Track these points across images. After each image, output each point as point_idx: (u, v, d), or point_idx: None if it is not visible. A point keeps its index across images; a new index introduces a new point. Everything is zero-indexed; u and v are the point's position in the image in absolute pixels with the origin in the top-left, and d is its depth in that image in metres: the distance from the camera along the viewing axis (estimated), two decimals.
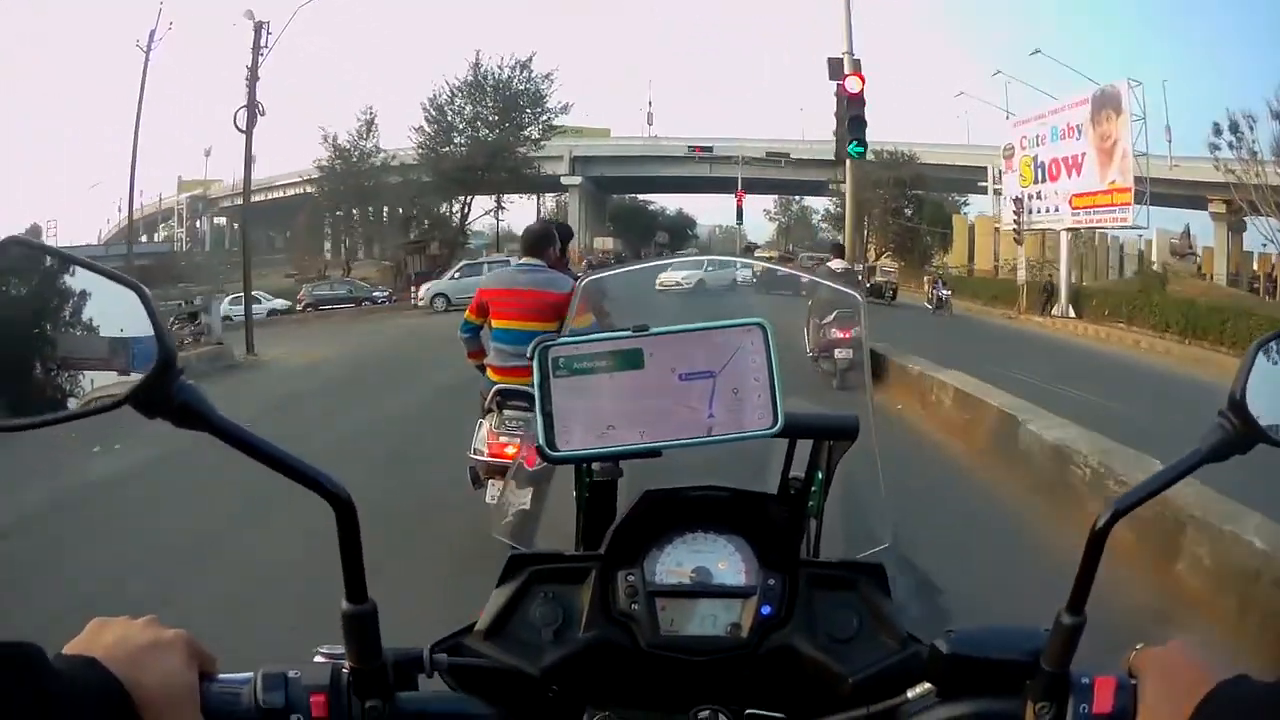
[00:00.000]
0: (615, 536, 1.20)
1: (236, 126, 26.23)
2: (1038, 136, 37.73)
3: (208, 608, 4.65)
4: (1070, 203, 35.28)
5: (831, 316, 10.10)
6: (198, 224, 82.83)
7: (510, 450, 4.58)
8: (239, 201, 54.75)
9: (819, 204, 79.46)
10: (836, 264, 14.27)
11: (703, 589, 1.18)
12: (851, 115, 18.45)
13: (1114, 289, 35.55)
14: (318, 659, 0.98)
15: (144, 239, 78.67)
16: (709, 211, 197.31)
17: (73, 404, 0.85)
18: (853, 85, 18.54)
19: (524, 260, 5.49)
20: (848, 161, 19.58)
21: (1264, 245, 32.04)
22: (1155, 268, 44.75)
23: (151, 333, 0.83)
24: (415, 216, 54.19)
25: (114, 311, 0.85)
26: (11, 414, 0.85)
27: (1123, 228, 36.23)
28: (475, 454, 5.19)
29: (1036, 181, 37.77)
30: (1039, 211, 37.52)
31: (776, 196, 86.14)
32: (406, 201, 53.96)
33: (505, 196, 55.09)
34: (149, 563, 5.71)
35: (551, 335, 1.23)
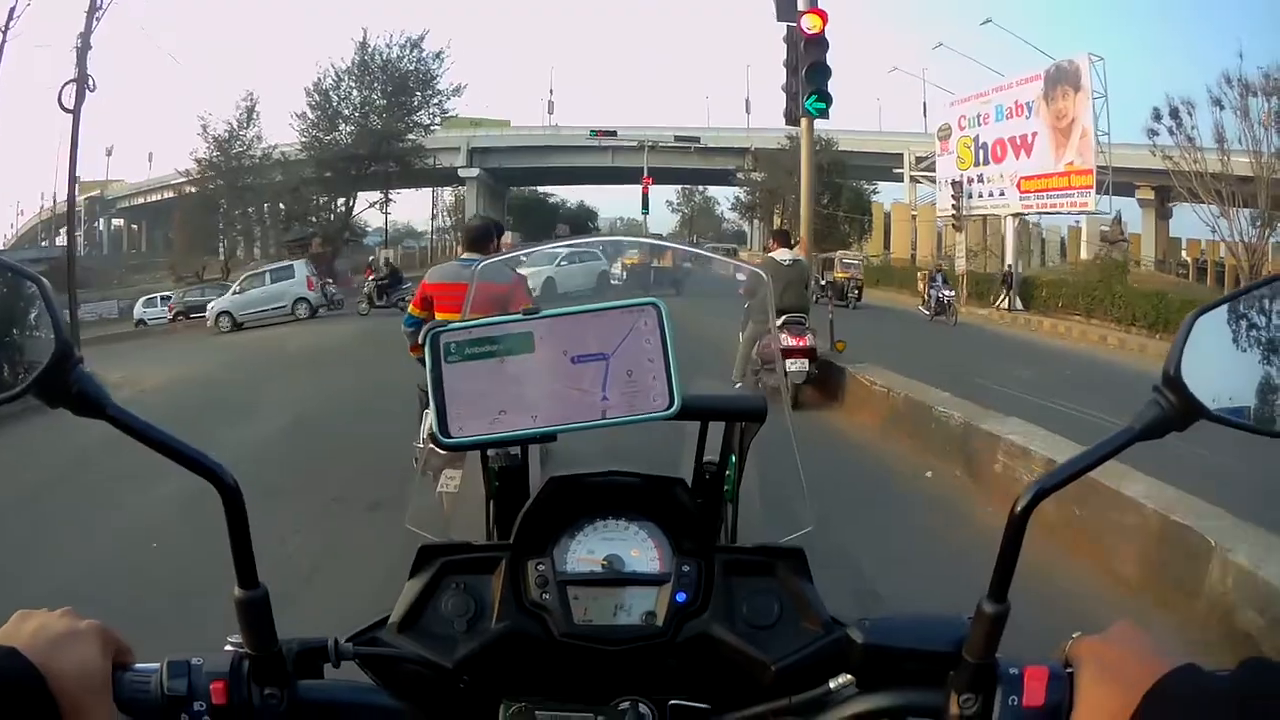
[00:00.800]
0: (523, 524, 1.18)
1: (61, 105, 21.82)
2: (979, 116, 34.82)
3: (139, 596, 4.93)
4: (1018, 186, 32.40)
5: (777, 322, 8.61)
6: (96, 226, 78.05)
7: None
8: (137, 201, 51.16)
9: (723, 194, 77.33)
10: (782, 254, 11.07)
11: (615, 577, 1.15)
12: (811, 62, 14.26)
13: (1067, 279, 32.43)
14: (227, 647, 0.95)
15: (44, 243, 75.84)
16: (611, 204, 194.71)
17: None
18: (810, 24, 14.28)
19: (466, 255, 5.98)
20: (803, 124, 15.20)
21: (1211, 232, 30.05)
22: (1084, 255, 43.39)
23: (50, 324, 0.85)
24: (296, 212, 50.02)
25: (14, 304, 0.89)
26: None
27: (1083, 213, 33.13)
28: (422, 443, 5.02)
29: (977, 164, 34.94)
30: (980, 196, 34.69)
31: (680, 187, 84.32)
32: (289, 195, 49.64)
33: (396, 189, 51.55)
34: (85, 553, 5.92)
35: (447, 321, 1.06)
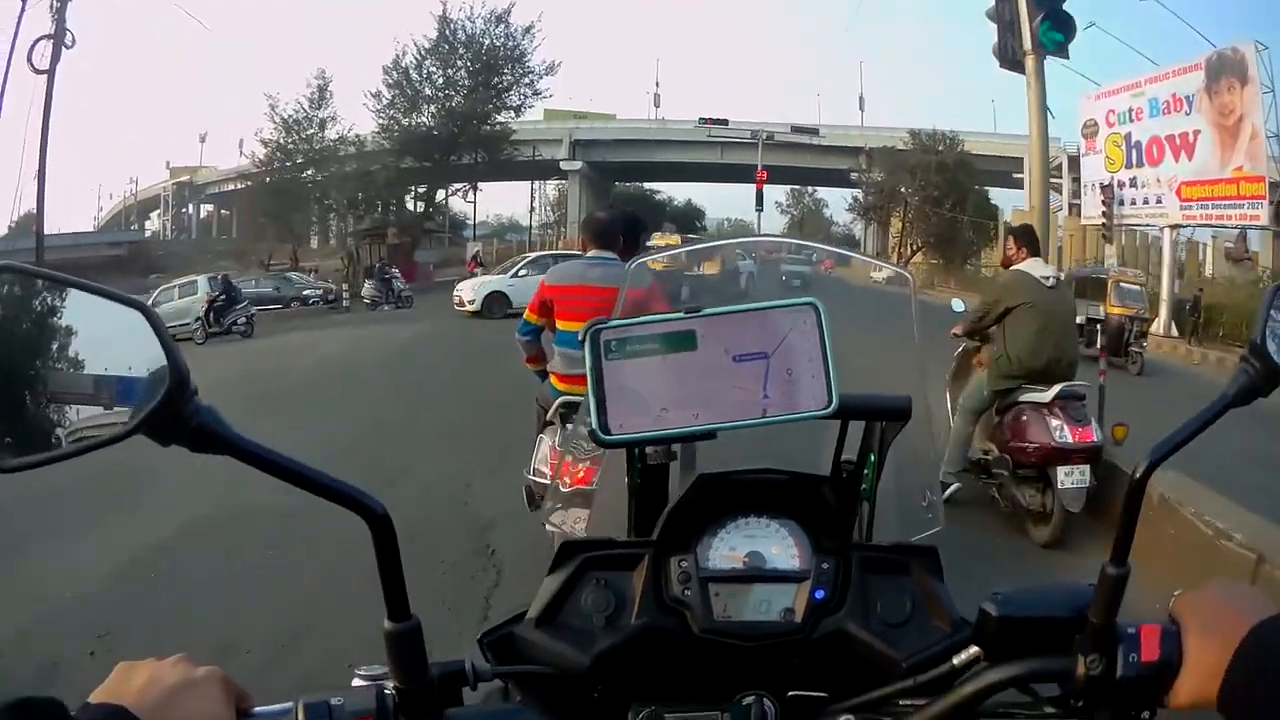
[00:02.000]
0: (668, 522, 1.19)
1: (32, 65, 20.47)
2: (1131, 111, 30.19)
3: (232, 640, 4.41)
4: (1178, 193, 28.29)
5: (1048, 395, 6.17)
6: (185, 211, 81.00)
7: (580, 474, 2.89)
8: (227, 188, 50.99)
9: (833, 196, 74.76)
10: (1036, 266, 6.45)
11: (756, 574, 1.17)
12: None
13: (1224, 302, 28.34)
14: (356, 682, 0.93)
15: (134, 227, 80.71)
16: (720, 202, 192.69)
17: (81, 436, 0.82)
18: None
19: (593, 253, 4.91)
20: (1029, 64, 12.12)
21: None
22: (1209, 273, 38.75)
23: (161, 353, 0.79)
24: (370, 200, 47.86)
25: (118, 333, 0.82)
26: (16, 452, 0.80)
27: (1254, 227, 28.98)
28: (535, 474, 4.79)
29: (1129, 165, 30.44)
30: (1133, 203, 30.38)
31: (789, 188, 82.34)
32: (361, 182, 47.27)
33: (487, 180, 49.63)
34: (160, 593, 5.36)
35: (608, 319, 1.08)
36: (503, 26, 45.91)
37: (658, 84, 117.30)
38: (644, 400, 1.03)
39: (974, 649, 0.99)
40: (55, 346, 0.83)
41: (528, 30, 46.32)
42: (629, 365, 1.02)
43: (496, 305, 26.71)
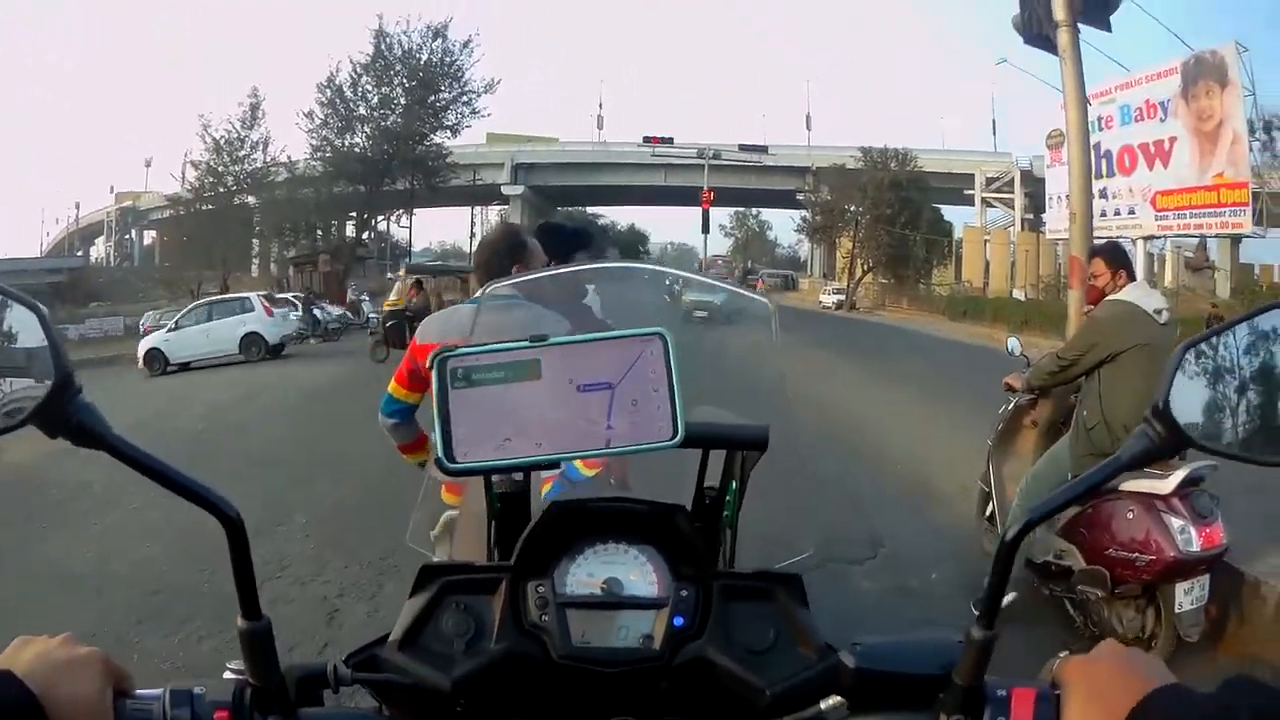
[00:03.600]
0: (524, 547, 1.20)
1: None
2: (1100, 119, 29.11)
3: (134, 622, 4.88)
4: (1152, 202, 27.49)
5: (1169, 484, 4.27)
6: (128, 237, 79.96)
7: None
8: (170, 213, 49.16)
9: (777, 218, 74.54)
10: (1142, 295, 4.83)
11: (614, 600, 1.17)
12: None
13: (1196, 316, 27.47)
14: (227, 674, 0.97)
15: (79, 253, 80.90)
16: (664, 226, 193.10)
17: None
18: None
19: (489, 289, 2.97)
20: (1062, 39, 10.21)
21: None
22: (1169, 283, 37.96)
23: (47, 352, 0.87)
24: (302, 225, 46.14)
25: (15, 331, 0.90)
26: None
27: (1237, 234, 28.19)
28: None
29: (1099, 176, 29.34)
30: (1102, 214, 29.26)
31: (733, 211, 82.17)
32: (293, 207, 45.40)
33: (425, 205, 47.74)
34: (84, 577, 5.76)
35: (455, 347, 1.08)
36: (440, 41, 44.30)
37: (601, 106, 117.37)
38: (489, 429, 1.04)
39: (838, 697, 1.00)
40: None
41: (466, 45, 44.77)
42: (475, 394, 1.03)
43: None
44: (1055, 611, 4.74)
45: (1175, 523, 4.16)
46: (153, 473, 0.89)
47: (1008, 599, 4.19)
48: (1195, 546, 4.13)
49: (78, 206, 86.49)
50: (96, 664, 0.88)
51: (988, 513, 5.45)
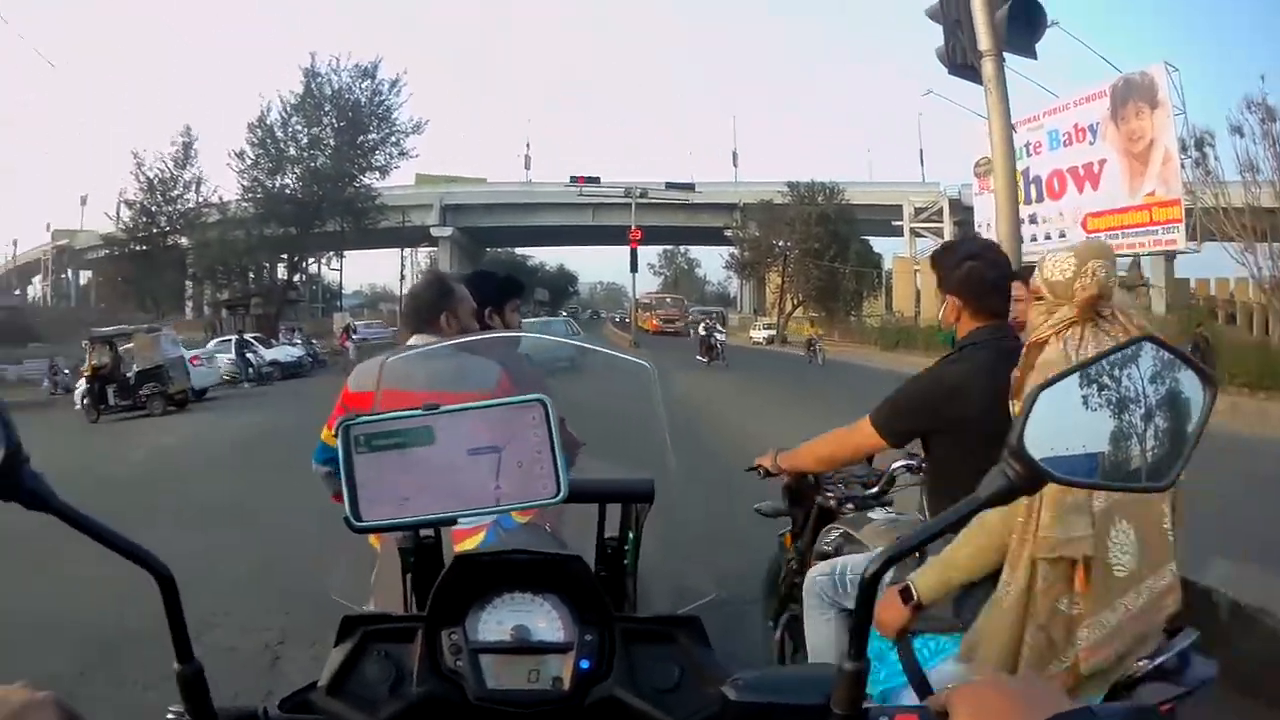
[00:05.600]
0: (435, 597, 1.25)
1: None
2: (1029, 145, 29.79)
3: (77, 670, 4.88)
4: (1083, 224, 27.63)
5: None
6: (64, 276, 79.01)
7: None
8: (105, 252, 48.03)
9: (706, 255, 74.66)
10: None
11: (523, 645, 1.23)
12: None
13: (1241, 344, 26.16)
14: (168, 717, 1.03)
15: (17, 291, 79.51)
16: (591, 265, 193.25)
17: None
18: None
19: (413, 341, 3.28)
20: (986, 69, 9.51)
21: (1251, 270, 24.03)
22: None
23: None
24: (231, 266, 45.07)
25: None
26: None
27: (1171, 251, 28.17)
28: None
29: (1028, 202, 29.57)
30: (1033, 239, 29.19)
31: (661, 249, 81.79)
32: (223, 248, 44.41)
33: (355, 247, 47.03)
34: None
35: (358, 414, 1.18)
36: (369, 81, 44.07)
37: (528, 145, 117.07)
38: (389, 490, 1.12)
39: None
40: None
41: (394, 85, 44.53)
42: (376, 458, 1.11)
43: None
44: None
45: None
46: (95, 534, 0.93)
47: None
48: None
49: (15, 244, 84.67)
50: (51, 708, 0.88)
51: None
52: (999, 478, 0.91)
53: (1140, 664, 2.55)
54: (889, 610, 2.49)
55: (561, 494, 1.13)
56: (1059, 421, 0.92)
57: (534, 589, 1.25)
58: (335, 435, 1.15)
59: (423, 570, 1.63)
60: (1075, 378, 0.93)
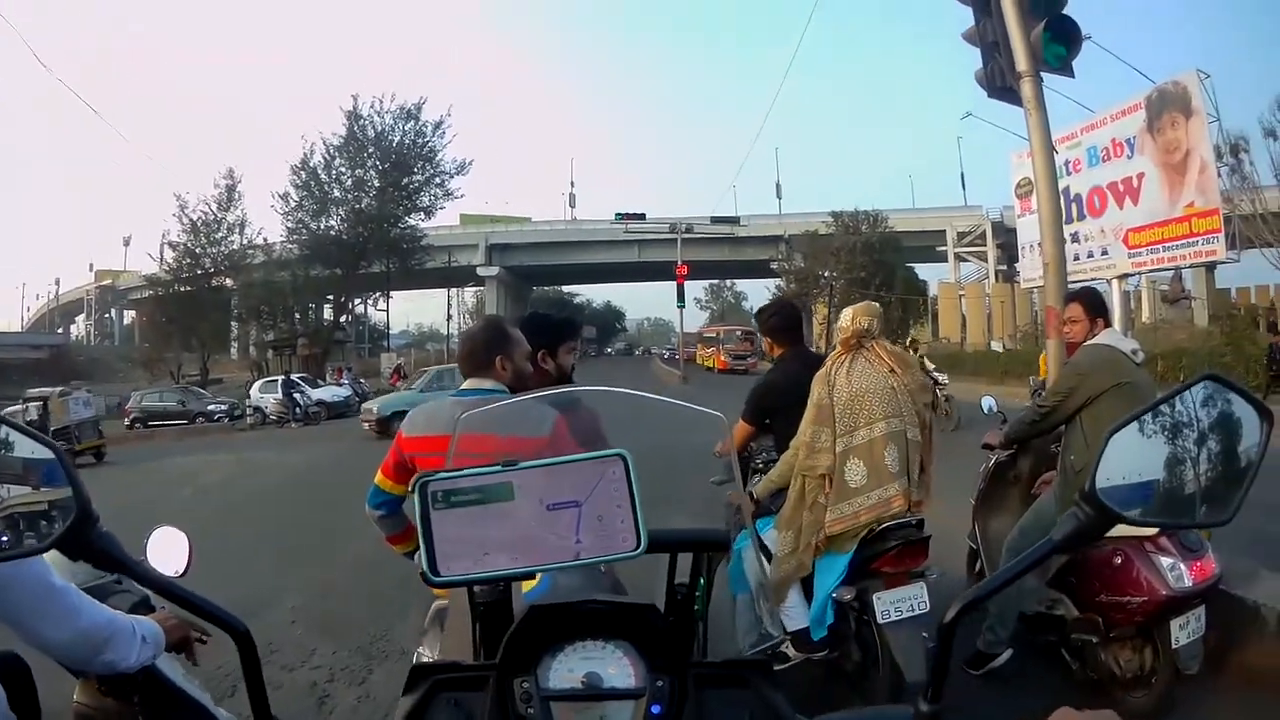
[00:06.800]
0: (508, 646, 1.26)
1: None
2: (1067, 163, 28.90)
3: None
4: (1125, 240, 27.12)
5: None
6: (108, 316, 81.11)
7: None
8: (149, 293, 49.32)
9: (752, 288, 74.39)
10: (1117, 337, 4.87)
11: (594, 692, 1.23)
12: None
13: (1185, 346, 26.58)
14: None
15: (60, 329, 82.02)
16: (638, 302, 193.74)
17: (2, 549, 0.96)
18: None
19: (469, 385, 3.38)
20: (1025, 89, 9.55)
21: None
22: (1146, 319, 38.07)
23: (69, 487, 0.95)
24: (276, 308, 45.83)
25: (35, 465, 0.97)
26: None
27: (1212, 262, 27.69)
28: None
29: (1069, 221, 28.79)
30: (1075, 258, 28.56)
31: (708, 283, 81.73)
32: (269, 290, 45.23)
33: (401, 288, 47.47)
34: None
35: (435, 471, 1.18)
36: (413, 123, 44.74)
37: (573, 184, 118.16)
38: (469, 545, 1.13)
39: None
40: None
41: (438, 126, 45.13)
42: (454, 514, 1.13)
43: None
44: (1050, 661, 4.68)
45: (1164, 561, 4.19)
46: (170, 594, 0.99)
47: (1002, 658, 4.66)
48: (1187, 582, 4.14)
49: (58, 283, 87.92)
50: None
51: (976, 569, 5.56)
52: (1071, 520, 0.95)
53: (873, 531, 4.07)
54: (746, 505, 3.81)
55: (641, 547, 1.13)
56: (1128, 464, 0.96)
57: (605, 636, 1.27)
58: (410, 489, 1.16)
59: (492, 620, 1.65)
60: (1144, 419, 0.97)
